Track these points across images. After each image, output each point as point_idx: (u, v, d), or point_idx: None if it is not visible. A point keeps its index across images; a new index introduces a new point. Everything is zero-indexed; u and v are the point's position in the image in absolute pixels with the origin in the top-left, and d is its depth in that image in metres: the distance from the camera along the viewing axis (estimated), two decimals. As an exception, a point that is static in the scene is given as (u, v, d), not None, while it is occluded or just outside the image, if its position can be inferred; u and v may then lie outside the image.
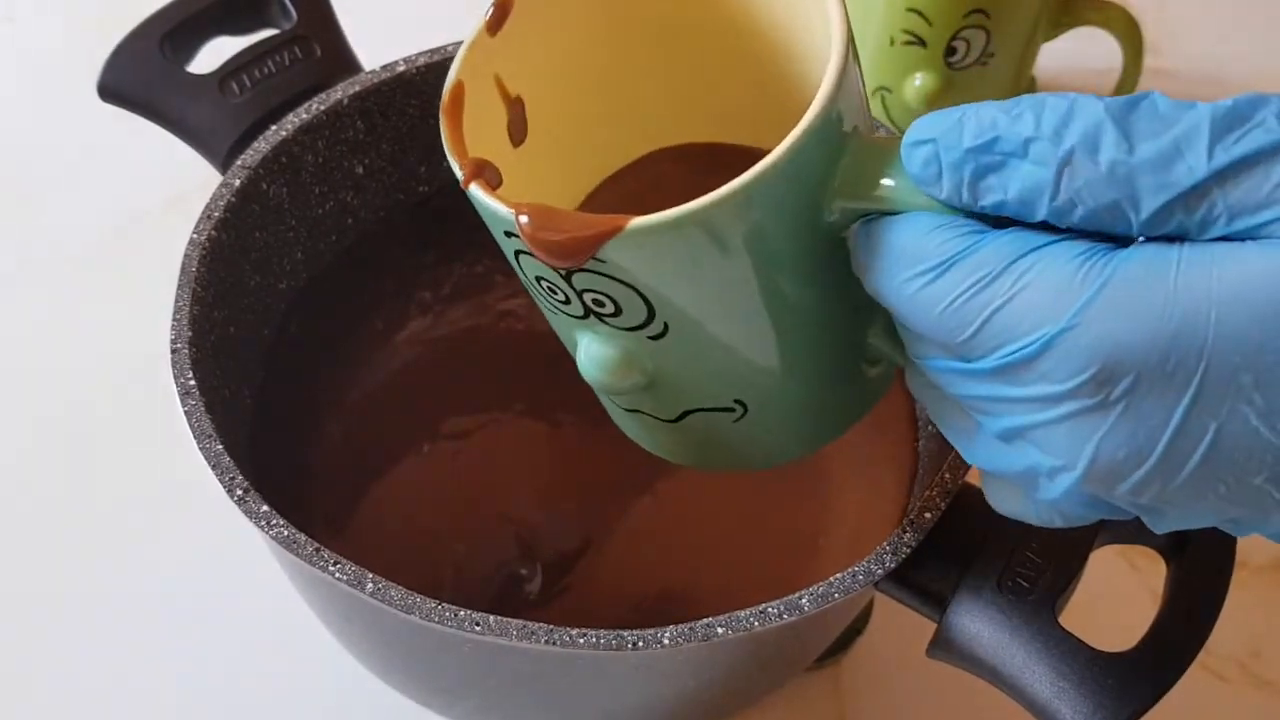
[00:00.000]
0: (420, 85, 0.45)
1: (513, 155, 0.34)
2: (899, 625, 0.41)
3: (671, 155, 0.37)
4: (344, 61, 0.45)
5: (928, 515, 0.36)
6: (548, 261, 0.28)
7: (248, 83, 0.44)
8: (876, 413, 0.46)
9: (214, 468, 0.35)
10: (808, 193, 0.28)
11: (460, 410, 0.49)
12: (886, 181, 0.27)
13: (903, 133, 0.27)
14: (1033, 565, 0.35)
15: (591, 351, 0.31)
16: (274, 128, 0.42)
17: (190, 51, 0.45)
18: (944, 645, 0.35)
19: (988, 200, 0.26)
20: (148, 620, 0.48)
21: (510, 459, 0.48)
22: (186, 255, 0.39)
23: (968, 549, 0.35)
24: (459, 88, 0.31)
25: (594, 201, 0.36)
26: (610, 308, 0.29)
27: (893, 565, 0.35)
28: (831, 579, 0.34)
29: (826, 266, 0.30)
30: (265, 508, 0.34)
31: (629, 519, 0.48)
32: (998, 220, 0.26)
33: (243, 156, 0.42)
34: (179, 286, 0.38)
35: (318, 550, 0.33)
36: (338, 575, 0.33)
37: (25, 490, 0.51)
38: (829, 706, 0.47)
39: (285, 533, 0.34)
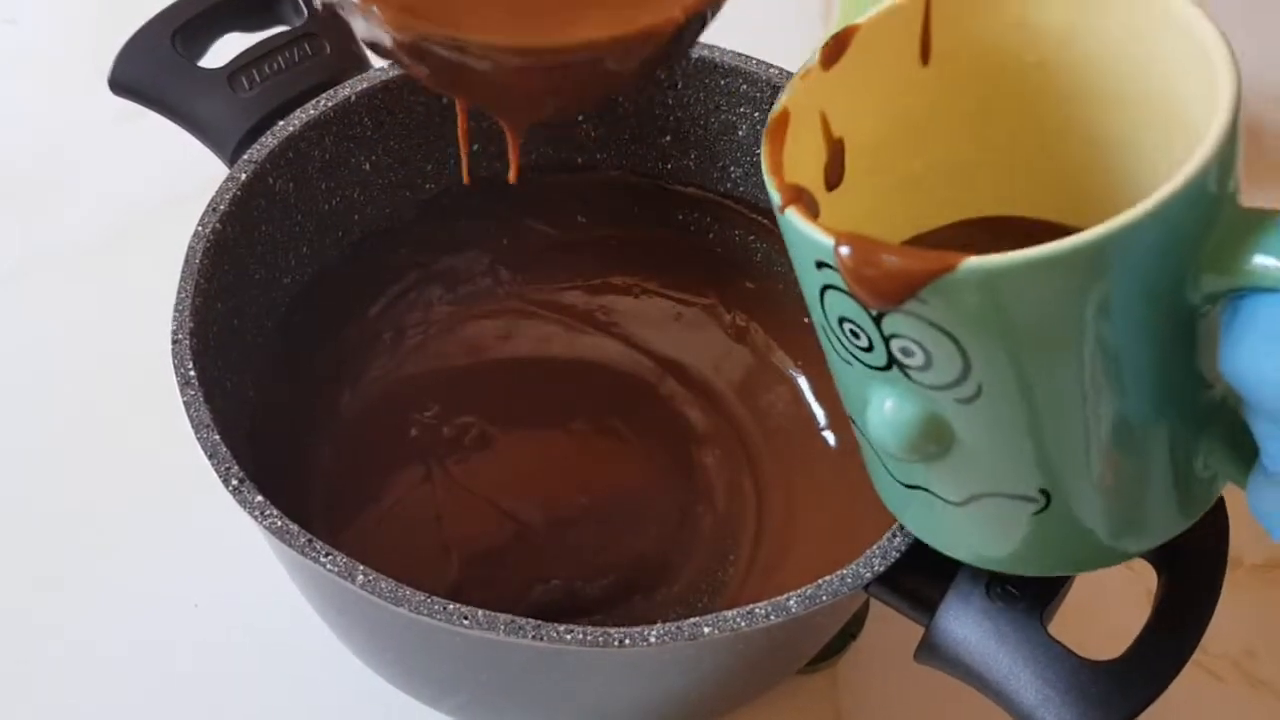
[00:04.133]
0: (428, 83, 0.45)
1: (825, 198, 0.31)
2: (894, 629, 0.41)
3: (983, 226, 0.34)
4: (353, 59, 0.45)
5: (919, 520, 0.36)
6: (865, 299, 0.26)
7: (257, 78, 0.44)
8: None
9: (210, 457, 0.35)
10: (1173, 260, 0.25)
11: (465, 408, 0.49)
12: (1264, 255, 0.24)
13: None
14: (1023, 573, 0.35)
15: (888, 411, 0.28)
16: (282, 123, 0.43)
17: (201, 46, 0.45)
18: (931, 650, 0.35)
19: None
20: (150, 614, 0.48)
21: (519, 458, 0.49)
22: (191, 247, 0.40)
23: (958, 555, 0.35)
24: (784, 115, 0.30)
25: None
26: (919, 359, 0.27)
27: (882, 569, 0.35)
28: (820, 581, 0.34)
29: (1174, 354, 0.27)
30: (260, 498, 0.35)
31: (631, 519, 0.48)
32: None
33: (250, 151, 0.42)
34: (182, 278, 0.39)
35: (310, 541, 0.34)
36: (329, 566, 0.33)
37: (29, 486, 0.51)
38: (824, 710, 0.47)
39: (279, 523, 0.34)
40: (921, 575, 0.35)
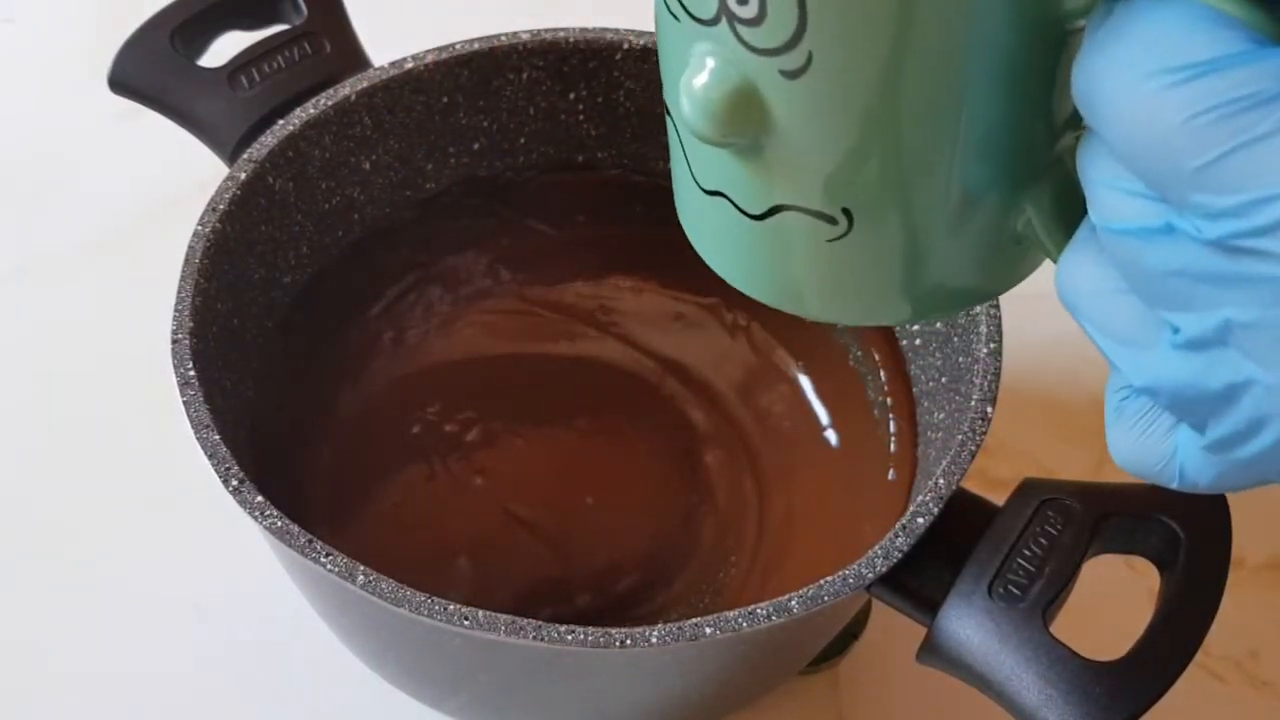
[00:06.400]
0: (428, 82, 0.45)
1: None
2: (896, 629, 0.41)
3: None
4: (353, 57, 0.45)
5: (920, 520, 0.36)
6: None
7: (257, 77, 0.44)
8: (873, 418, 0.46)
9: (210, 458, 0.35)
10: None
11: (466, 408, 0.49)
12: None
13: None
14: (1025, 573, 0.35)
15: (704, 74, 0.25)
16: (281, 122, 0.43)
17: (201, 45, 0.45)
18: (933, 650, 0.35)
19: None
20: (150, 615, 0.48)
21: (519, 458, 0.48)
22: (190, 246, 0.39)
23: (960, 555, 0.35)
24: None
25: None
26: (753, 8, 0.24)
27: (884, 569, 0.35)
28: (821, 581, 0.34)
29: (1026, 74, 0.25)
30: (260, 499, 0.35)
31: (633, 519, 0.48)
32: None
33: (249, 150, 0.42)
34: (182, 277, 0.39)
35: (310, 542, 0.34)
36: (329, 567, 0.33)
37: (28, 486, 0.51)
38: (825, 710, 0.46)
39: (279, 524, 0.34)
40: (923, 575, 0.35)
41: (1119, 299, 0.24)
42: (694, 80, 0.26)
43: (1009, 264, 0.29)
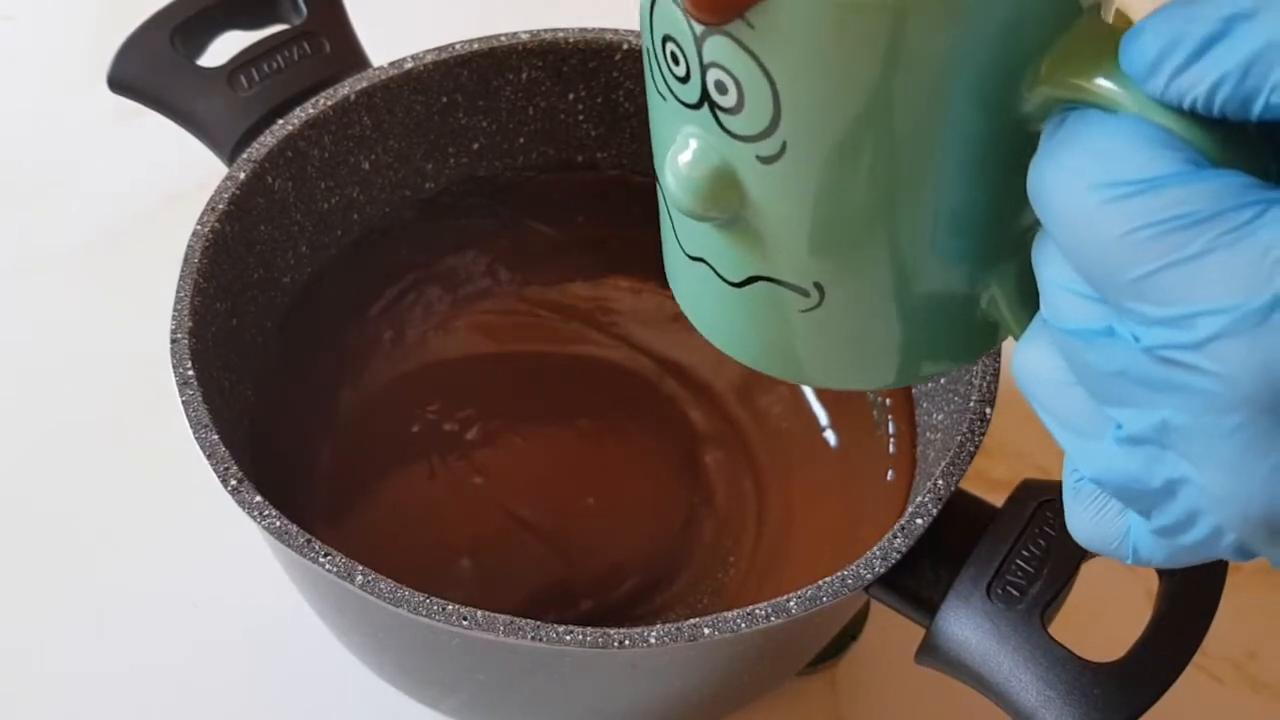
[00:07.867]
0: (428, 82, 0.45)
1: None
2: (895, 630, 0.41)
3: None
4: (353, 57, 0.45)
5: (919, 521, 0.36)
6: (694, 11, 0.24)
7: (256, 77, 0.44)
8: (872, 419, 0.46)
9: (209, 457, 0.35)
10: (1016, 55, 0.24)
11: (465, 409, 0.49)
12: (1106, 75, 0.23)
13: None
14: (1024, 574, 0.35)
15: (687, 153, 0.27)
16: (280, 122, 0.43)
17: (201, 45, 0.45)
18: (932, 651, 0.35)
19: (1203, 84, 0.21)
20: (148, 614, 0.48)
21: (519, 458, 0.48)
22: (190, 246, 0.39)
23: (959, 556, 0.35)
24: None
25: None
26: (732, 99, 0.26)
27: (882, 570, 0.35)
28: (820, 582, 0.34)
29: (991, 165, 0.26)
30: (258, 498, 0.35)
31: (632, 519, 0.48)
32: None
33: (248, 150, 0.42)
34: (181, 277, 0.39)
35: (309, 542, 0.34)
36: (328, 567, 0.33)
37: (27, 485, 0.51)
38: (823, 711, 0.47)
39: (277, 524, 0.34)
40: (922, 576, 0.35)
41: (1069, 390, 0.24)
42: (678, 158, 0.27)
43: (981, 336, 0.30)
